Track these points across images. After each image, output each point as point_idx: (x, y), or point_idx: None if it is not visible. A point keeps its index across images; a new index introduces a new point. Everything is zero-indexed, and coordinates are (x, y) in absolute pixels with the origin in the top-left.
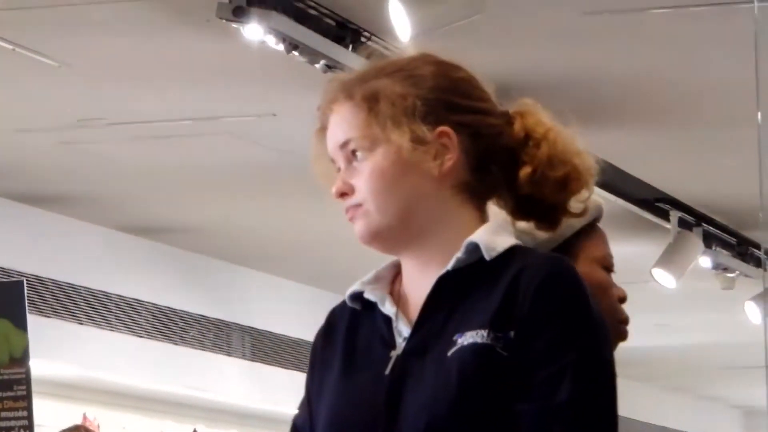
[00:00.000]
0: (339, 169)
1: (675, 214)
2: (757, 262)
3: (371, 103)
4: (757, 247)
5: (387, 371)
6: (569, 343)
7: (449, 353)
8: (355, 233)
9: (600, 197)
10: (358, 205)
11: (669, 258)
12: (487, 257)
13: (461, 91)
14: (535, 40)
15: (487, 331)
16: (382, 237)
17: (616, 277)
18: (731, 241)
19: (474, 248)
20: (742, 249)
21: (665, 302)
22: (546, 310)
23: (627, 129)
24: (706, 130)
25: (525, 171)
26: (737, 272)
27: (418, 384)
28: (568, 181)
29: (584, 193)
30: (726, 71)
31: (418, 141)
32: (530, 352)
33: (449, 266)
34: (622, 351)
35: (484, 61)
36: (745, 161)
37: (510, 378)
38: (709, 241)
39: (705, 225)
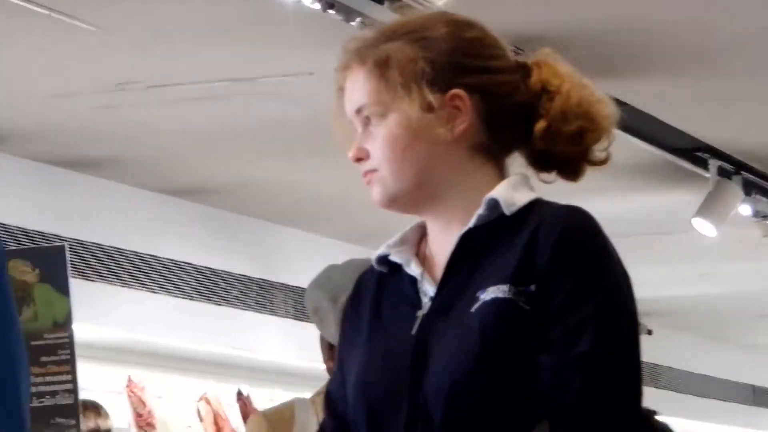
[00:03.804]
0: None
1: (714, 163)
2: None
3: (382, 69)
4: None
5: (413, 331)
6: (588, 295)
7: (472, 309)
8: (372, 198)
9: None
10: (374, 170)
11: (709, 207)
12: (507, 212)
13: (472, 52)
14: None
15: (508, 285)
16: (398, 201)
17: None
18: None
19: (494, 204)
20: None
21: (706, 251)
22: (565, 263)
23: (663, 78)
24: (742, 77)
25: (539, 126)
26: None
27: (443, 342)
28: (583, 134)
29: (604, 142)
30: (761, 17)
31: (427, 108)
32: (551, 305)
33: (471, 224)
34: (664, 301)
35: (514, 14)
36: None
37: (532, 331)
38: (748, 188)
39: (744, 173)
